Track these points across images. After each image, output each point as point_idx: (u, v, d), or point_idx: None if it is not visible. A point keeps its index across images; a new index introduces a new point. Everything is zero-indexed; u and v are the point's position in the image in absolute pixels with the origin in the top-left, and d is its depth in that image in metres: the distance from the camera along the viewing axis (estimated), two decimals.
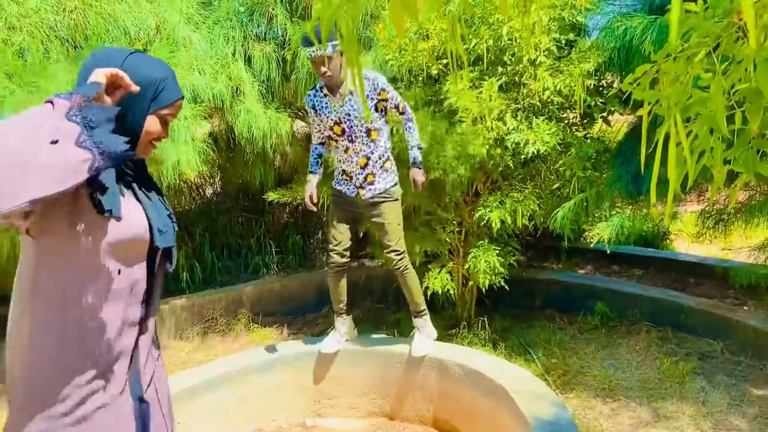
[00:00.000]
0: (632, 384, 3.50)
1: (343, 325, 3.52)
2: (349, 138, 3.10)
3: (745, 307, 4.24)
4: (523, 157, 3.41)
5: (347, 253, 3.30)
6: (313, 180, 3.25)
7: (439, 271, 3.83)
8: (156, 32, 3.48)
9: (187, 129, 3.56)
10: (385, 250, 3.29)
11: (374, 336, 3.73)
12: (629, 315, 4.36)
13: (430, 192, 3.66)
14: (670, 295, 4.35)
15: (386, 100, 3.08)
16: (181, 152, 3.55)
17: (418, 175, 3.16)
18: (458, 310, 4.38)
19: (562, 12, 3.26)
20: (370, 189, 3.16)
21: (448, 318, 4.46)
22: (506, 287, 3.82)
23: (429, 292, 3.76)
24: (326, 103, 3.09)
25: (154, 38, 3.44)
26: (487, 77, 3.34)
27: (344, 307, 3.54)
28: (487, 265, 3.57)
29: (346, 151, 3.14)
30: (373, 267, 5.17)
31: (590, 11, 3.47)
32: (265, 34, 4.21)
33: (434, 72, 3.51)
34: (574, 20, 3.35)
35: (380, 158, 3.15)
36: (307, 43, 2.88)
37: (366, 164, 3.13)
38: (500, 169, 3.56)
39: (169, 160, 3.52)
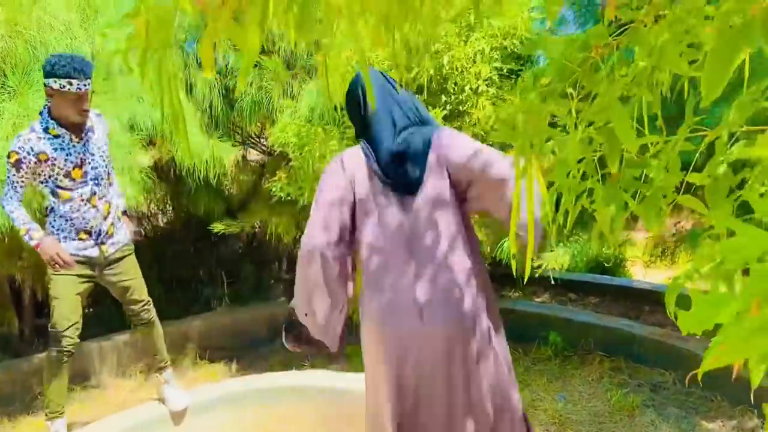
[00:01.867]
0: (583, 417, 3.42)
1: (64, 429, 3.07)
2: (94, 181, 2.72)
3: (697, 336, 4.21)
4: None
5: (79, 330, 2.85)
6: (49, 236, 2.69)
7: None
8: (91, 59, 3.37)
9: (124, 158, 3.44)
10: (135, 307, 3.01)
11: (323, 371, 3.60)
12: (583, 344, 4.31)
13: None
14: (624, 324, 4.31)
15: None
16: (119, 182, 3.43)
17: (129, 223, 3.10)
18: None
19: (504, 41, 3.24)
20: (112, 243, 2.86)
21: None
22: None
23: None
24: (60, 144, 2.61)
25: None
26: (431, 107, 3.30)
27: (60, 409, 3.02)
28: None
29: (89, 199, 2.72)
30: None
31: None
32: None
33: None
34: (515, 50, 3.34)
35: (117, 206, 2.93)
36: (75, 73, 2.44)
37: (108, 213, 2.82)
38: None
39: None
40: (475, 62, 3.17)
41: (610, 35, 0.89)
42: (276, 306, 5.19)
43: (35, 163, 2.55)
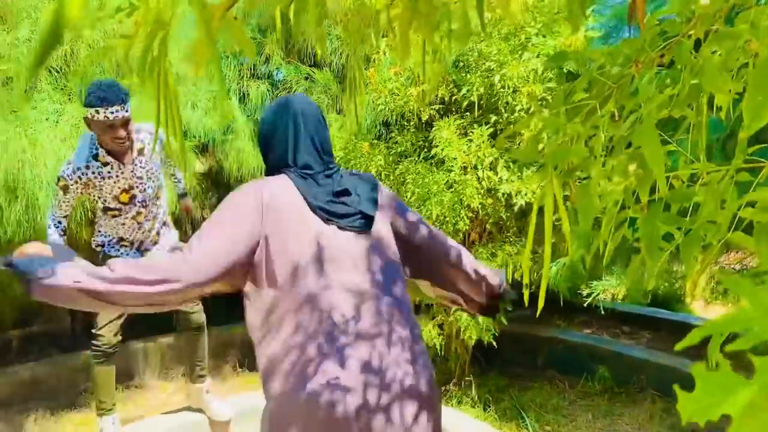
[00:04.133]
0: None
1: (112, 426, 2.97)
2: (142, 203, 2.76)
3: None
4: (516, 208, 3.24)
5: (120, 332, 2.84)
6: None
7: (426, 324, 3.63)
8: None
9: (177, 165, 3.50)
10: (188, 309, 2.99)
11: None
12: (634, 382, 4.07)
13: None
14: (680, 362, 4.04)
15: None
16: (168, 187, 3.49)
17: (189, 202, 3.27)
18: (450, 365, 4.15)
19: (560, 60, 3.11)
20: (157, 249, 2.93)
21: (439, 373, 4.23)
22: (495, 344, 3.59)
23: None
24: (109, 173, 2.62)
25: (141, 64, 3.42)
26: (477, 125, 3.21)
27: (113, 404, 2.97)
28: (470, 320, 3.37)
29: (135, 216, 2.78)
30: None
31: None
32: (260, 73, 4.18)
33: (425, 117, 3.39)
34: (571, 69, 3.21)
35: (164, 214, 2.96)
36: (98, 102, 2.38)
37: (153, 228, 2.89)
38: (492, 220, 3.40)
39: None
40: (527, 81, 3.07)
41: (654, 49, 0.79)
42: None
43: (82, 188, 2.60)
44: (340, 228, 1.39)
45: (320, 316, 1.27)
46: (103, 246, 2.83)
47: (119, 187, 2.67)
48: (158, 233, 2.93)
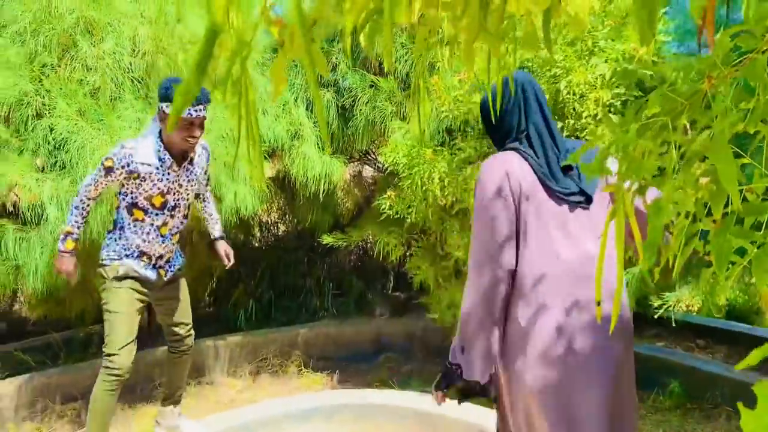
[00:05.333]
0: None
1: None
2: (170, 213, 2.64)
3: None
4: None
5: (133, 353, 2.65)
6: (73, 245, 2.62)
7: None
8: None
9: (246, 169, 3.64)
10: (180, 331, 2.86)
11: (419, 394, 3.56)
12: (709, 397, 3.89)
13: None
14: (758, 378, 3.83)
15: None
16: (239, 191, 3.64)
17: (228, 248, 2.98)
18: None
19: (629, 65, 3.04)
20: (170, 269, 2.77)
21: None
22: None
23: None
24: (158, 170, 2.55)
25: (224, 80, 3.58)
26: None
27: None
28: None
29: (159, 227, 2.65)
30: (430, 318, 5.02)
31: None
32: (327, 81, 4.28)
33: None
34: (641, 75, 3.11)
35: (182, 238, 2.90)
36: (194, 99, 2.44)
37: (175, 242, 2.76)
38: None
39: (226, 198, 3.62)
40: (595, 87, 3.01)
41: (727, 65, 0.78)
42: (380, 323, 5.23)
43: (125, 177, 2.50)
44: (568, 204, 1.61)
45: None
46: (119, 258, 2.61)
47: (158, 188, 2.56)
48: (172, 251, 2.79)
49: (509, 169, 1.58)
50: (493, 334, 1.58)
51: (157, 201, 2.59)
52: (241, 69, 0.82)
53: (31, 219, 3.24)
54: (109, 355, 2.53)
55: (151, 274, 2.68)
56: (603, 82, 2.98)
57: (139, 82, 3.47)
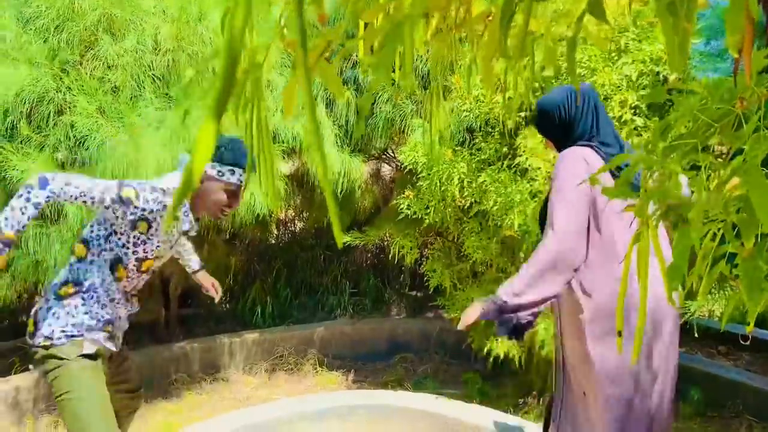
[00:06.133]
0: None
1: None
2: (148, 275, 2.19)
3: None
4: None
5: None
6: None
7: (503, 338, 3.57)
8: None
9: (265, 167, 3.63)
10: (134, 396, 2.34)
11: (434, 396, 3.53)
12: (730, 406, 3.81)
13: (502, 250, 3.46)
14: None
15: None
16: (254, 191, 3.63)
17: (213, 279, 2.59)
18: (531, 376, 4.05)
19: (656, 67, 2.97)
20: (120, 337, 2.20)
21: (520, 385, 4.14)
22: None
23: (492, 356, 3.52)
24: (175, 229, 2.15)
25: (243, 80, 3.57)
26: None
27: None
28: (548, 333, 3.28)
29: (132, 294, 2.20)
30: (448, 319, 4.99)
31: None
32: (346, 77, 4.26)
33: (510, 125, 3.33)
34: (668, 76, 3.05)
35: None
36: (242, 165, 2.04)
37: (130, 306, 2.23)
38: None
39: (243, 197, 3.62)
40: (620, 89, 2.94)
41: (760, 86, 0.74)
42: (396, 322, 5.21)
43: (129, 222, 2.00)
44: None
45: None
46: (87, 331, 2.01)
47: (155, 251, 2.10)
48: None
49: (588, 159, 1.80)
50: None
51: (147, 265, 2.12)
52: (253, 89, 0.80)
53: (51, 215, 3.27)
54: None
55: (111, 346, 2.11)
56: (629, 83, 2.91)
57: (160, 80, 3.47)
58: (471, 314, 1.80)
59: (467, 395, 3.99)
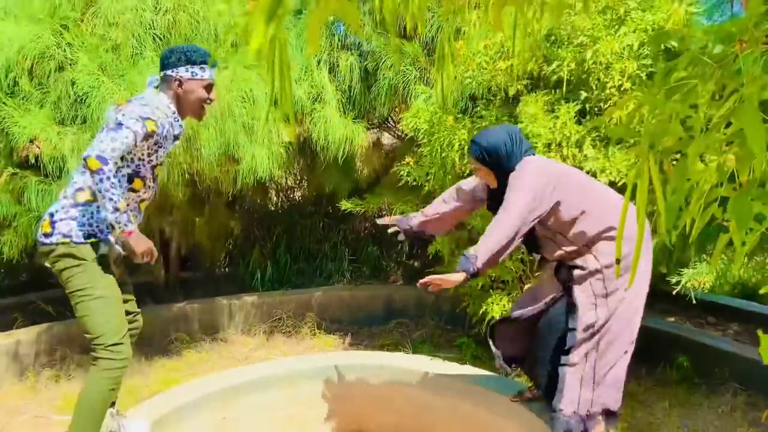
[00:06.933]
0: None
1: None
2: (154, 186, 2.35)
3: None
4: None
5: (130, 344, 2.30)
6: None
7: (501, 298, 3.64)
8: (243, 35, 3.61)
9: (265, 131, 3.65)
10: (132, 309, 2.44)
11: (429, 358, 3.61)
12: (717, 374, 3.91)
13: None
14: None
15: None
16: (256, 154, 3.65)
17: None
18: None
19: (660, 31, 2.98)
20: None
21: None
22: None
23: (487, 318, 3.59)
24: (172, 135, 2.31)
25: (242, 41, 3.57)
26: (565, 102, 3.14)
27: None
28: None
29: (141, 202, 2.32)
30: None
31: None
32: (350, 43, 4.24)
33: (512, 92, 3.35)
34: (669, 46, 3.06)
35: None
36: (208, 58, 2.28)
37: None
38: None
39: (244, 160, 3.64)
40: (621, 58, 2.96)
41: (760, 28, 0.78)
42: (393, 289, 5.28)
43: (153, 142, 2.22)
44: None
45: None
46: (101, 233, 2.19)
47: (162, 157, 2.29)
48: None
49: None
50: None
51: (158, 171, 2.33)
52: (276, 28, 0.83)
53: (53, 171, 3.28)
54: (113, 345, 2.13)
55: (119, 249, 2.24)
56: (630, 52, 2.93)
57: (161, 39, 3.46)
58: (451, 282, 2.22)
59: (461, 359, 4.08)
